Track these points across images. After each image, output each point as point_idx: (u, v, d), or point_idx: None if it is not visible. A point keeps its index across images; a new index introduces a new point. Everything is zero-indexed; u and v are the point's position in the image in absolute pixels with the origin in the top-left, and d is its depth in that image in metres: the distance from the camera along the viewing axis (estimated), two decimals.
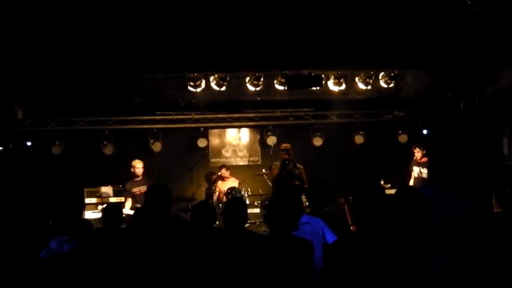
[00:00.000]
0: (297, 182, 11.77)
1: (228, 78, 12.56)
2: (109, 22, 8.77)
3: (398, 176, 14.07)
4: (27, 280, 5.73)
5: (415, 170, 13.69)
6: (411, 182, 13.55)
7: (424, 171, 13.49)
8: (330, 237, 5.91)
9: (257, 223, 12.70)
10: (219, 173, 14.44)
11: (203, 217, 5.98)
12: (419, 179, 13.46)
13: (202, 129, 15.25)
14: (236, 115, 15.30)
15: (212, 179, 14.84)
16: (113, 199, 12.77)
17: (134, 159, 13.88)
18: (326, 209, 6.79)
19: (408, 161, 14.05)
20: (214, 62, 10.70)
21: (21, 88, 12.19)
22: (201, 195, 14.88)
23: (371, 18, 9.13)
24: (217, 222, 8.27)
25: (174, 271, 5.42)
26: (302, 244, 5.14)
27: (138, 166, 13.32)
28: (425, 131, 15.49)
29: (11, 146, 13.86)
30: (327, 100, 14.01)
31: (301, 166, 12.25)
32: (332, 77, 12.80)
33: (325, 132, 15.31)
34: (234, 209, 6.15)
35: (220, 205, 12.91)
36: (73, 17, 8.60)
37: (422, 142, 14.20)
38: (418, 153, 13.70)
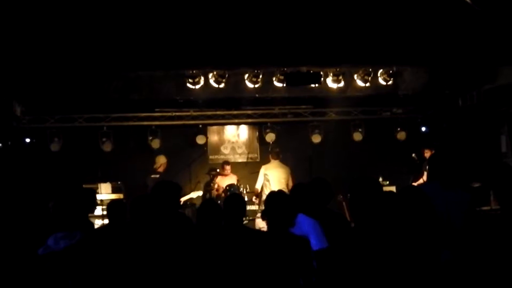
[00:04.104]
0: None
1: (226, 75, 12.54)
2: (108, 19, 8.78)
3: (396, 173, 14.10)
4: (24, 276, 5.73)
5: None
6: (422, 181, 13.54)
7: None
8: (316, 244, 5.83)
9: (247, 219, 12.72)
10: (223, 169, 14.47)
11: (210, 215, 6.00)
12: None
13: (200, 126, 15.22)
14: (235, 112, 15.27)
15: (211, 174, 14.86)
16: (111, 196, 12.82)
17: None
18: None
19: (405, 158, 14.11)
20: (213, 59, 10.73)
21: (20, 85, 12.19)
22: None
23: (370, 15, 9.15)
24: None
25: (170, 268, 5.42)
26: (299, 241, 5.16)
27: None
28: (423, 129, 15.48)
29: (9, 142, 13.85)
30: (325, 97, 14.00)
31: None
32: (331, 74, 12.79)
33: (324, 129, 15.29)
34: (233, 205, 6.16)
35: (219, 201, 12.93)
36: (72, 14, 8.61)
37: (427, 142, 14.22)
38: (428, 154, 13.73)
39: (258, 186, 13.55)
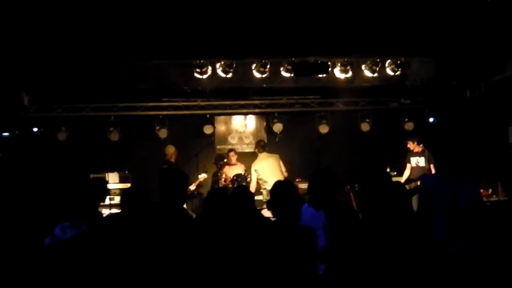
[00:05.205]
0: None
1: (234, 65, 12.53)
2: (114, 9, 8.78)
3: (403, 164, 14.09)
4: (30, 265, 5.75)
5: (413, 161, 13.80)
6: (407, 172, 13.90)
7: (421, 160, 13.64)
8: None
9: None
10: (228, 157, 14.46)
11: (218, 205, 6.01)
12: (417, 168, 13.68)
13: (208, 115, 15.24)
14: (242, 102, 15.29)
15: (219, 164, 14.86)
16: (119, 186, 12.86)
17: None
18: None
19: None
20: (220, 49, 10.71)
21: (27, 74, 12.20)
22: (207, 181, 14.89)
23: (378, 5, 9.13)
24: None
25: (176, 257, 5.42)
26: (304, 232, 5.17)
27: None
28: (431, 119, 15.47)
29: (17, 132, 13.89)
30: (333, 88, 13.98)
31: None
32: (339, 64, 12.77)
33: (331, 120, 15.28)
34: (240, 197, 6.17)
35: None
36: (79, 3, 8.61)
37: (413, 135, 14.30)
38: (412, 146, 13.82)
39: (252, 186, 13.14)
